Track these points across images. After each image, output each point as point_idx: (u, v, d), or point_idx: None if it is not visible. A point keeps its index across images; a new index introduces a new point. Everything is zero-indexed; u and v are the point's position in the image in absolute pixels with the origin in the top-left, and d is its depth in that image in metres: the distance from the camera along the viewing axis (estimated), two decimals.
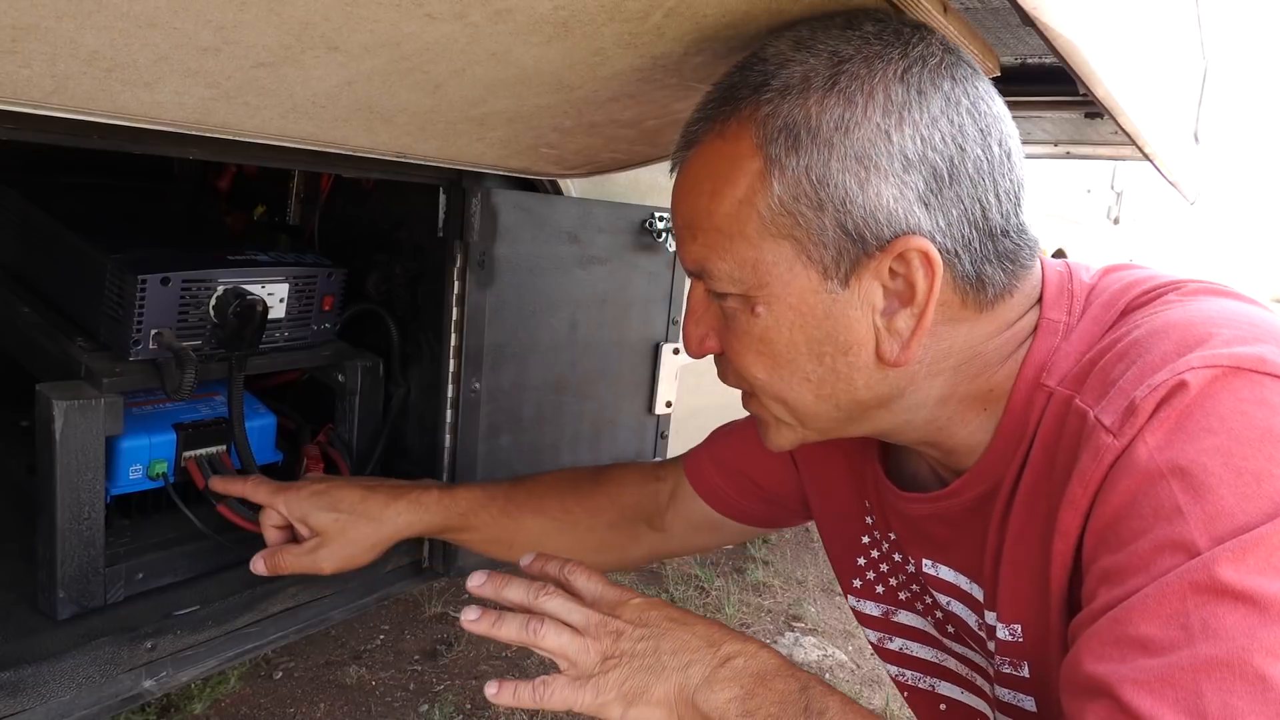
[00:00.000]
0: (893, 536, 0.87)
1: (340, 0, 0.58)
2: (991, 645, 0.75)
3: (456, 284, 1.21)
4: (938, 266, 0.64)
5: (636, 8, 0.62)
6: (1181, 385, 0.57)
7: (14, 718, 0.86)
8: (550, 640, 0.73)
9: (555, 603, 0.75)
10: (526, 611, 0.76)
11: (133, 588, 1.04)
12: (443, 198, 1.22)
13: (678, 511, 1.08)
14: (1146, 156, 1.16)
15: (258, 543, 1.12)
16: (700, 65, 0.76)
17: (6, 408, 1.24)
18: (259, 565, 1.01)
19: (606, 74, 0.77)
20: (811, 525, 3.41)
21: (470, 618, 0.76)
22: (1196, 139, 1.61)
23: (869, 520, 0.90)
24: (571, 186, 1.28)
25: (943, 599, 0.81)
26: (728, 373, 0.76)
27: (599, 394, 1.42)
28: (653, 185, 1.46)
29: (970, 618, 0.78)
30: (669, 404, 1.54)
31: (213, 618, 1.04)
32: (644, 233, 1.39)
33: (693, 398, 1.62)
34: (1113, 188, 2.99)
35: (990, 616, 0.74)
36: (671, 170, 0.73)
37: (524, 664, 2.21)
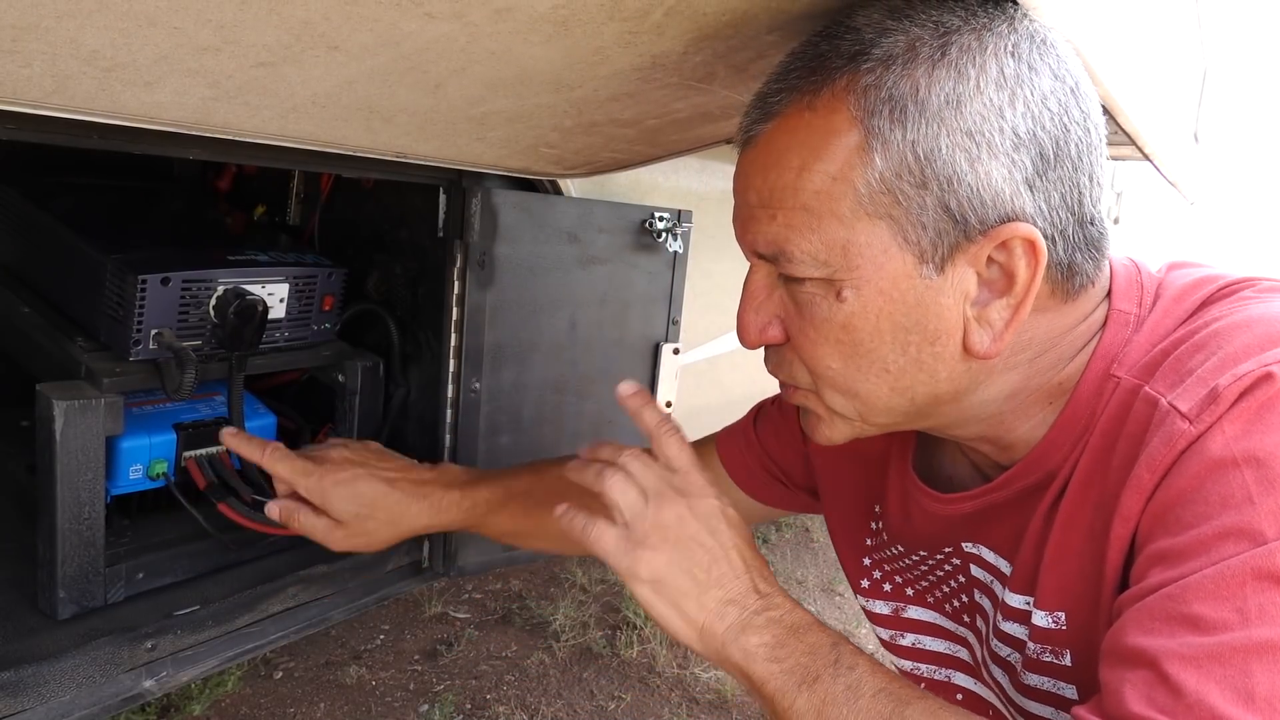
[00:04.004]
0: (899, 549, 0.87)
1: None
2: (1008, 627, 0.74)
3: (456, 284, 1.21)
4: (1042, 256, 0.61)
5: (636, 6, 0.62)
6: (1268, 377, 0.56)
7: (14, 717, 0.86)
8: (615, 492, 0.73)
9: (635, 463, 0.76)
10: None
11: (133, 588, 1.03)
12: (443, 198, 1.22)
13: None
14: (1146, 156, 1.16)
15: (258, 543, 1.12)
16: (700, 64, 0.76)
17: (6, 408, 1.24)
18: (273, 510, 0.99)
19: (606, 73, 0.77)
20: (811, 526, 3.39)
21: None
22: (1196, 139, 1.61)
23: (874, 525, 0.90)
24: (571, 186, 1.28)
25: (984, 576, 0.79)
26: (785, 363, 0.71)
27: (599, 394, 1.42)
28: (653, 185, 1.46)
29: (999, 592, 0.77)
30: (669, 404, 1.54)
31: (213, 618, 1.04)
32: (644, 233, 1.39)
33: (693, 398, 1.62)
34: (1112, 188, 2.98)
35: (1014, 598, 0.73)
36: (739, 146, 0.69)
37: (524, 664, 2.21)
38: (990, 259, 0.62)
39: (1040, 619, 0.71)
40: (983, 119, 0.59)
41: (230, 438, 1.01)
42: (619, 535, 0.72)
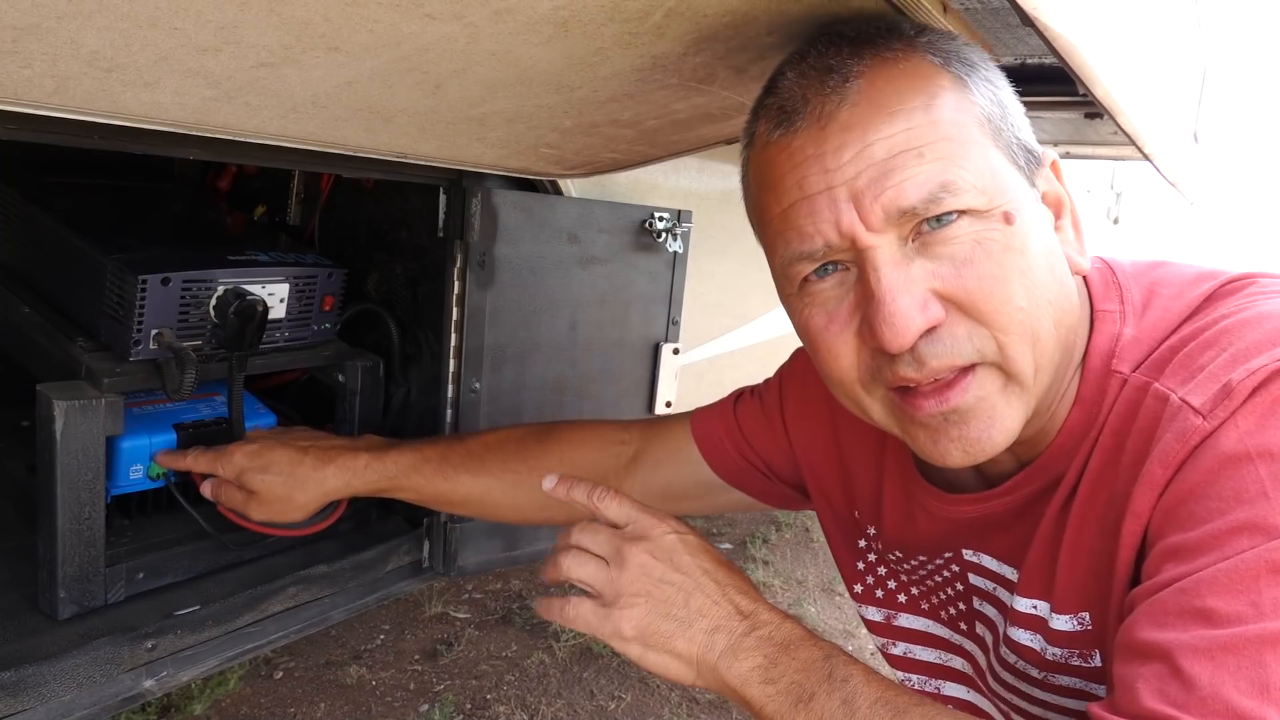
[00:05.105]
0: (898, 555, 0.86)
1: (340, 0, 0.58)
2: (1018, 634, 0.74)
3: (456, 284, 1.21)
4: (1062, 168, 0.69)
5: (636, 7, 0.62)
6: None
7: (14, 717, 0.86)
8: (575, 572, 0.75)
9: (585, 535, 0.77)
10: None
11: (133, 588, 1.04)
12: (443, 198, 1.22)
13: (637, 476, 1.04)
14: (1146, 157, 1.16)
15: (258, 543, 1.12)
16: (700, 65, 0.76)
17: (6, 408, 1.24)
18: (205, 489, 1.05)
19: (606, 74, 0.77)
20: (811, 525, 3.39)
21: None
22: (1196, 139, 1.61)
23: (870, 530, 0.89)
24: (571, 186, 1.28)
25: (985, 585, 0.79)
26: (946, 341, 0.62)
27: (599, 394, 1.42)
28: (653, 185, 1.46)
29: (1007, 599, 0.77)
30: (669, 404, 1.54)
31: (213, 618, 1.04)
32: (644, 233, 1.39)
33: (693, 398, 1.62)
34: (1112, 188, 2.99)
35: (1023, 603, 0.73)
36: (814, 122, 0.63)
37: (524, 664, 2.21)
38: (1042, 191, 0.68)
39: (1062, 623, 0.70)
40: (1006, 86, 0.68)
41: (163, 457, 1.06)
42: (593, 606, 0.73)
